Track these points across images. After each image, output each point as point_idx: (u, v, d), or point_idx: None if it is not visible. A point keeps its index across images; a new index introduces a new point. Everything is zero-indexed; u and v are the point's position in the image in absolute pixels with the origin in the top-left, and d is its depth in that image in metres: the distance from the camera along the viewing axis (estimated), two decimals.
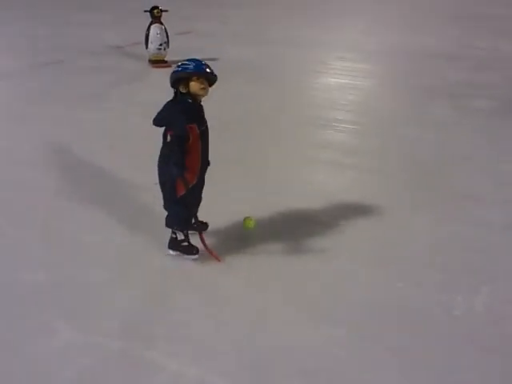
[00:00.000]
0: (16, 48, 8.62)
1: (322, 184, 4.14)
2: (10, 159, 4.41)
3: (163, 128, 2.86)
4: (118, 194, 3.83)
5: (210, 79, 2.87)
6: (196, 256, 3.00)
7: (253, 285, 2.87)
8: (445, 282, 2.94)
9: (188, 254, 3.01)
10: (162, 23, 7.45)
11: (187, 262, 3.01)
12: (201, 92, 2.82)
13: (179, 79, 2.81)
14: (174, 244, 3.03)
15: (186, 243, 3.00)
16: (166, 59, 7.59)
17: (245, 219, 3.19)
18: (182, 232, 2.99)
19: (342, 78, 7.50)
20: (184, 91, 2.82)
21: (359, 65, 8.37)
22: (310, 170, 4.41)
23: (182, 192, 2.83)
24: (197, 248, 3.01)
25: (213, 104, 6.30)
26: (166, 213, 3.01)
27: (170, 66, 7.50)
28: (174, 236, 3.01)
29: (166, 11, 7.44)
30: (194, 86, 2.79)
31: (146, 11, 7.36)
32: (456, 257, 3.18)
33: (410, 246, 3.30)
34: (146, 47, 7.49)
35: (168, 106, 2.87)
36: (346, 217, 3.58)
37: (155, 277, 2.93)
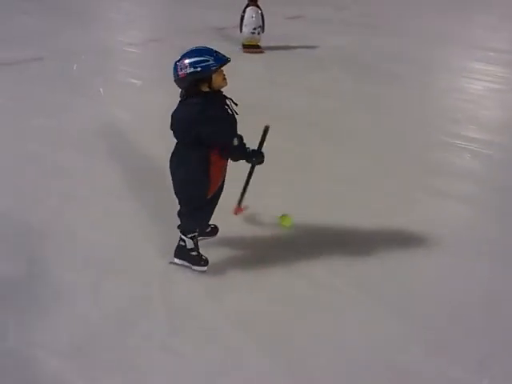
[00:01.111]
0: (119, 25, 8.83)
1: (391, 210, 3.40)
2: (54, 139, 4.31)
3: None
4: (141, 189, 3.53)
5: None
6: (204, 268, 2.70)
7: (233, 319, 2.42)
8: (453, 361, 2.23)
9: (196, 264, 2.71)
10: (258, 6, 7.12)
11: (175, 276, 2.68)
12: (224, 83, 2.45)
13: (199, 80, 2.37)
14: (181, 253, 2.72)
15: (195, 252, 2.71)
16: (259, 44, 7.26)
17: (281, 217, 2.92)
18: (193, 240, 2.70)
19: (467, 82, 6.51)
20: (206, 89, 2.41)
21: (489, 67, 7.22)
22: (386, 192, 3.62)
23: (211, 194, 2.58)
24: (206, 259, 2.71)
25: (297, 96, 6.02)
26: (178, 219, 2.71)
27: (262, 52, 7.20)
28: (183, 244, 2.70)
29: None
30: (218, 79, 2.41)
31: None
32: (492, 332, 2.43)
33: (451, 301, 2.61)
34: (240, 30, 7.23)
35: (201, 110, 2.37)
36: (393, 252, 2.95)
37: (134, 290, 2.59)
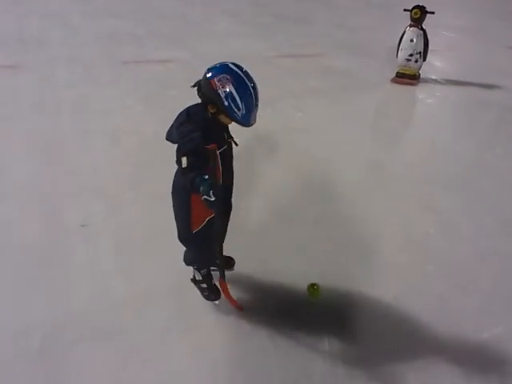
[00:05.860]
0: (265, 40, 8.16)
1: None
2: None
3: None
4: None
5: None
6: (217, 302, 2.43)
7: None
8: None
9: (206, 298, 2.45)
10: (421, 28, 5.70)
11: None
12: (228, 121, 2.03)
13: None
14: (194, 281, 2.45)
15: (204, 285, 2.43)
16: (417, 74, 5.86)
17: (310, 287, 2.49)
18: (200, 272, 2.40)
19: None
20: (212, 111, 1.98)
21: None
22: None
23: (195, 229, 2.15)
24: (217, 293, 2.42)
25: (376, 150, 4.51)
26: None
27: (413, 85, 5.82)
28: (192, 276, 2.44)
29: (431, 13, 5.62)
30: (224, 119, 2.01)
31: (405, 10, 5.75)
32: None
33: None
34: (397, 55, 5.93)
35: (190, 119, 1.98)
36: None
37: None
